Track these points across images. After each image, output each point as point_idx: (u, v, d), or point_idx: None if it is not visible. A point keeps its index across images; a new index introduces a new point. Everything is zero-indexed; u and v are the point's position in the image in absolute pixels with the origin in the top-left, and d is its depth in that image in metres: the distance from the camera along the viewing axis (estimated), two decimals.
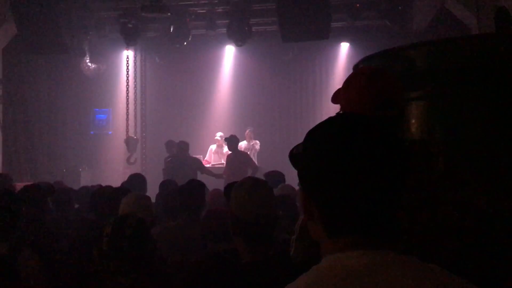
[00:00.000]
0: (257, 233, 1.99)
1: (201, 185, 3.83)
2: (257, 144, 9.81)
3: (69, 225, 3.99)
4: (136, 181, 5.07)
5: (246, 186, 1.98)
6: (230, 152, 8.50)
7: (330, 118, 0.98)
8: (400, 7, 8.66)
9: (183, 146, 8.33)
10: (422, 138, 2.86)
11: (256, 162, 9.27)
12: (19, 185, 6.31)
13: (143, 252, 1.89)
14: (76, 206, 5.08)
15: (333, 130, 0.94)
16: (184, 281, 2.28)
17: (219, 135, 9.80)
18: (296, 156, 1.04)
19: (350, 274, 0.85)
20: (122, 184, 5.41)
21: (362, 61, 3.45)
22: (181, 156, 8.25)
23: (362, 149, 0.89)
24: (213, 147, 9.91)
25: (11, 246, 2.41)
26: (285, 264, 2.04)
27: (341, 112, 1.83)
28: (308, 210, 0.95)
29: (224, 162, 9.03)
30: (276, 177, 5.09)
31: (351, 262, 0.87)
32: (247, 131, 9.83)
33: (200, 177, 7.97)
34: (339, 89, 1.83)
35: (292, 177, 6.19)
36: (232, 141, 8.15)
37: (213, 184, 7.37)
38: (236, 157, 8.07)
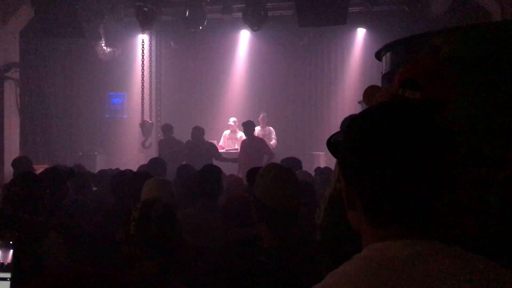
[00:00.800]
0: (281, 219, 2.00)
1: (217, 170, 3.81)
2: (272, 133, 9.73)
3: (88, 208, 4.03)
4: (157, 165, 5.09)
5: (272, 173, 1.98)
6: (244, 137, 8.46)
7: (373, 107, 0.96)
8: None
9: (199, 131, 8.26)
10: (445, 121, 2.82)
11: (273, 144, 9.27)
12: (36, 168, 6.39)
13: (170, 237, 1.91)
14: (95, 189, 5.14)
15: (376, 120, 0.92)
16: (209, 266, 2.30)
17: (232, 120, 9.78)
18: (336, 145, 1.03)
19: (393, 263, 0.85)
20: (141, 167, 5.46)
21: (384, 48, 3.42)
22: (196, 141, 8.20)
23: (406, 139, 0.88)
24: (226, 132, 9.89)
25: (37, 229, 2.44)
26: (308, 250, 2.05)
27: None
28: (349, 199, 0.95)
29: (238, 148, 9.03)
30: (293, 163, 5.08)
31: (394, 252, 0.87)
32: (261, 116, 9.79)
33: (217, 161, 7.96)
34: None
35: (306, 164, 6.20)
36: (248, 126, 8.09)
37: (228, 169, 7.39)
38: (252, 143, 8.04)
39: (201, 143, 8.09)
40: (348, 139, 0.95)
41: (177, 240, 1.95)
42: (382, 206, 0.90)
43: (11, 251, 1.22)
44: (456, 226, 1.62)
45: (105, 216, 3.44)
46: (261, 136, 9.21)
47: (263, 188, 1.97)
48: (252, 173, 2.23)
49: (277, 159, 8.04)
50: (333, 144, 1.05)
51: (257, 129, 9.42)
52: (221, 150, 9.43)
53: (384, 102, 0.96)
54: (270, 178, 1.97)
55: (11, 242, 1.22)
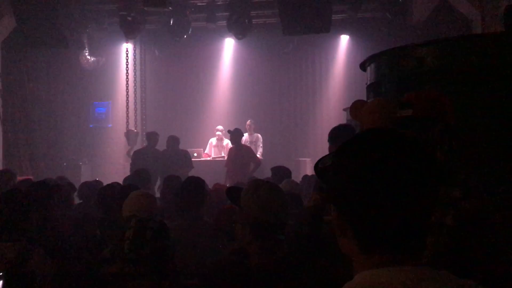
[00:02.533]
0: (270, 236, 2.00)
1: (201, 183, 3.77)
2: (259, 140, 9.73)
3: (72, 222, 3.96)
4: (141, 176, 5.07)
5: (262, 191, 1.98)
6: (231, 145, 8.46)
7: (362, 134, 0.97)
8: (400, 0, 8.64)
9: (173, 140, 8.16)
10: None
11: (260, 154, 9.27)
12: (20, 179, 6.30)
13: (163, 256, 1.92)
14: (79, 202, 5.07)
15: (366, 147, 0.92)
16: (196, 284, 2.29)
17: (219, 128, 9.79)
18: (324, 171, 1.03)
19: None
20: (126, 179, 5.41)
21: (369, 59, 3.46)
22: (171, 150, 8.10)
23: (395, 166, 0.88)
24: (213, 140, 9.89)
25: (22, 247, 2.41)
26: (294, 266, 2.05)
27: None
28: (340, 226, 0.95)
29: (225, 155, 9.02)
30: (283, 172, 5.10)
31: (386, 278, 0.87)
32: (248, 122, 9.80)
33: (204, 170, 7.95)
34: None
35: (292, 170, 6.21)
36: (235, 134, 8.07)
37: (216, 176, 7.38)
38: (239, 151, 8.03)
39: (176, 152, 8.02)
40: (337, 166, 0.95)
41: (169, 259, 1.96)
42: (372, 233, 0.90)
43: (1, 282, 1.20)
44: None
45: (92, 230, 3.40)
46: (248, 143, 9.22)
47: (253, 205, 1.97)
48: (232, 192, 2.21)
49: (264, 166, 8.07)
50: (321, 169, 1.05)
51: (245, 136, 9.43)
52: (207, 158, 9.44)
53: (372, 129, 0.97)
54: (261, 195, 1.97)
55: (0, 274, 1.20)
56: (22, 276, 1.98)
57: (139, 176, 5.25)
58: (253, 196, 1.98)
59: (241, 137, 8.34)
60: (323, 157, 1.11)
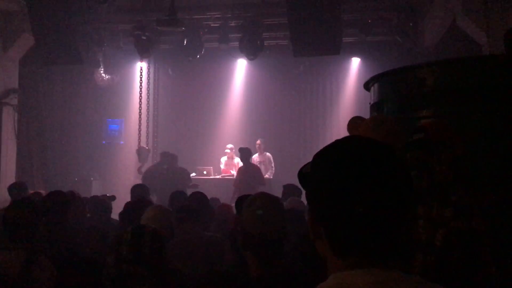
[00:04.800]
0: (266, 248, 2.03)
1: (205, 197, 3.90)
2: (270, 160, 9.80)
3: (84, 235, 4.02)
4: (139, 192, 5.14)
5: (258, 202, 2.02)
6: (241, 164, 8.56)
7: (337, 141, 1.01)
8: (411, 24, 8.71)
9: (172, 158, 8.40)
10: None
11: (271, 173, 9.33)
12: (31, 192, 6.40)
13: (160, 259, 1.97)
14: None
15: (340, 153, 0.97)
16: None
17: (229, 147, 9.89)
18: (305, 176, 1.07)
19: None
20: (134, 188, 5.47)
21: (372, 79, 3.52)
22: (171, 167, 8.31)
23: (368, 172, 0.92)
24: (223, 159, 9.99)
25: (27, 255, 2.47)
26: (293, 280, 2.07)
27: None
28: (315, 229, 0.99)
29: (234, 173, 9.09)
30: (292, 190, 5.15)
31: (357, 280, 0.90)
32: (258, 142, 9.88)
33: (213, 188, 8.07)
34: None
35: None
36: (245, 153, 8.19)
37: (224, 195, 7.43)
38: (247, 170, 8.12)
39: (174, 170, 8.22)
40: (313, 171, 1.00)
41: (166, 264, 2.01)
42: (344, 235, 0.94)
43: None
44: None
45: (98, 242, 3.48)
46: (258, 163, 9.28)
47: (248, 216, 2.02)
48: (240, 201, 2.27)
49: (277, 185, 8.11)
50: (302, 175, 1.09)
51: (255, 156, 9.51)
52: (218, 176, 9.56)
53: (347, 137, 1.02)
54: (255, 208, 2.01)
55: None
56: (24, 282, 2.04)
57: (137, 191, 5.29)
58: (248, 208, 2.02)
59: (250, 156, 8.42)
60: (306, 164, 1.15)
